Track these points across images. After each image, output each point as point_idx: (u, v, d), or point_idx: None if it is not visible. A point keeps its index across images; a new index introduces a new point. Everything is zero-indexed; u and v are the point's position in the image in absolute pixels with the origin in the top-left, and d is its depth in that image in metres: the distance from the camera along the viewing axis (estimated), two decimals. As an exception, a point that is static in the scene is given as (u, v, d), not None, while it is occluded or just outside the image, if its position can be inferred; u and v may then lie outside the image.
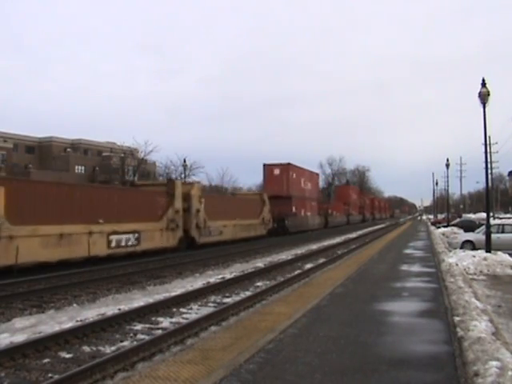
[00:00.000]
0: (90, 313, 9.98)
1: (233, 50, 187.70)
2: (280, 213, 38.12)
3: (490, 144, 40.33)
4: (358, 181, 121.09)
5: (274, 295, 11.59)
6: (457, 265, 14.06)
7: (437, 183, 71.30)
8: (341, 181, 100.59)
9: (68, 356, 7.06)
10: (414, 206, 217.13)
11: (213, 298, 11.87)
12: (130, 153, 59.36)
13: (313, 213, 48.50)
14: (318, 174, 55.23)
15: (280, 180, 40.31)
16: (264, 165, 41.50)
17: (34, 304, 11.15)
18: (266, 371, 4.98)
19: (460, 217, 56.86)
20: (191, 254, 22.32)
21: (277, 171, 40.66)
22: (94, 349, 7.42)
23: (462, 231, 30.96)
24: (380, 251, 20.98)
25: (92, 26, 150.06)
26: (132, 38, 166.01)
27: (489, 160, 25.89)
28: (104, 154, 68.47)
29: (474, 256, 15.52)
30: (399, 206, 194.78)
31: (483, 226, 20.18)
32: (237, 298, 11.50)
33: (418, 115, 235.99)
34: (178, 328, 8.21)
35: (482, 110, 16.33)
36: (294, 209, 41.15)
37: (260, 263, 19.68)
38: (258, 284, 14.08)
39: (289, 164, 41.60)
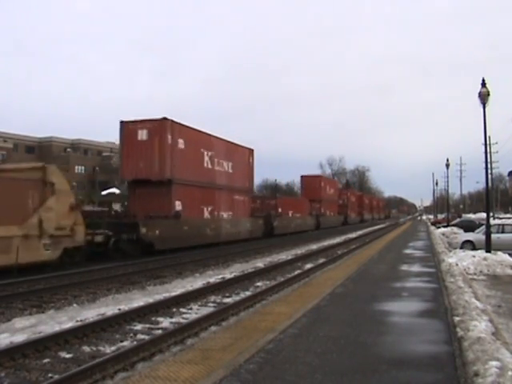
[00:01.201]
0: (90, 313, 9.98)
1: (233, 50, 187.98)
2: (131, 213, 21.50)
3: (489, 144, 40.45)
4: (358, 181, 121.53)
5: (273, 295, 11.59)
6: (457, 265, 14.06)
7: (437, 183, 71.55)
8: (341, 181, 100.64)
9: (68, 356, 7.06)
10: (413, 205, 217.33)
11: (213, 298, 11.86)
12: (130, 153, 59.28)
13: (238, 213, 29.81)
14: (251, 150, 32.46)
15: (149, 149, 21.78)
16: (121, 122, 22.50)
17: (34, 304, 11.13)
18: (266, 371, 4.98)
19: (460, 217, 56.89)
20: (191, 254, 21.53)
21: (143, 134, 21.97)
22: (94, 349, 7.42)
23: (461, 231, 31.00)
24: (380, 251, 20.97)
25: (93, 27, 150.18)
26: (133, 38, 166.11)
27: (489, 160, 25.96)
28: (104, 153, 68.65)
29: (474, 256, 15.53)
30: (398, 205, 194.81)
31: (483, 226, 20.19)
32: (237, 298, 11.51)
33: (418, 115, 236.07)
34: (178, 328, 8.21)
35: (481, 110, 16.36)
36: (177, 205, 22.73)
37: (260, 263, 19.68)
38: (258, 284, 14.08)
39: (165, 119, 22.14)
